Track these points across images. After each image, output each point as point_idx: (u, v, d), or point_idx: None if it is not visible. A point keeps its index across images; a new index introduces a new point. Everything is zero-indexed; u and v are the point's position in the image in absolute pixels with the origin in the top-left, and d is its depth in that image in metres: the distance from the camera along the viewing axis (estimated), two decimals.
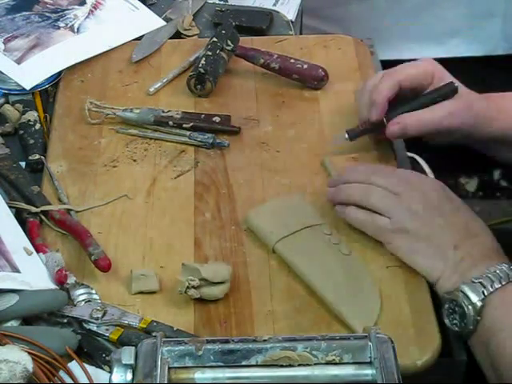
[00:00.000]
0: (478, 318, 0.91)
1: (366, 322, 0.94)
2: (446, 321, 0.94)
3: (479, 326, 0.92)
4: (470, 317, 0.92)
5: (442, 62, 1.15)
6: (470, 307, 0.91)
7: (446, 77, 1.14)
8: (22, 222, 1.06)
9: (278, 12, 1.44)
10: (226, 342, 0.79)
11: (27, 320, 0.95)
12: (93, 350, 0.93)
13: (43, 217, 1.07)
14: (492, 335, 0.90)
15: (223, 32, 1.29)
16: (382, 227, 1.01)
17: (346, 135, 1.15)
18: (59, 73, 1.30)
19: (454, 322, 0.94)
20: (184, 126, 1.19)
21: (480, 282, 0.92)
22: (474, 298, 0.92)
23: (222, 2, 1.47)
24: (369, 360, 0.78)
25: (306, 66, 1.27)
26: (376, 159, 1.16)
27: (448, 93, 1.12)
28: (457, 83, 1.13)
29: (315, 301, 0.98)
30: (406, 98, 1.14)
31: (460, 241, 0.97)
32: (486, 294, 0.91)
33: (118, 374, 0.77)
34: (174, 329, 0.94)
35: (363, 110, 1.14)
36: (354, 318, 0.95)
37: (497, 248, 0.98)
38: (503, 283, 0.92)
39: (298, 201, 1.09)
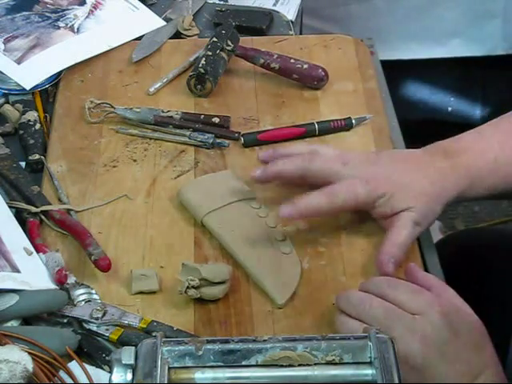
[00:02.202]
0: None
1: (285, 292, 0.98)
2: None
3: None
4: None
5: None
6: None
7: (395, 191, 1.01)
8: (22, 222, 1.06)
9: (278, 12, 1.44)
10: (226, 341, 0.79)
11: (27, 320, 0.95)
12: (93, 350, 0.93)
13: (43, 217, 1.07)
14: None
15: (223, 32, 1.29)
16: None
17: None
18: (59, 73, 1.30)
19: None
20: (183, 129, 1.20)
21: None
22: None
23: (221, 2, 1.47)
24: (369, 360, 0.78)
25: (306, 66, 1.27)
26: None
27: None
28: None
29: (315, 301, 0.98)
30: None
31: None
32: None
33: (118, 374, 0.77)
34: (174, 329, 0.94)
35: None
36: (275, 289, 0.98)
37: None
38: None
39: (229, 176, 1.12)
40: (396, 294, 0.90)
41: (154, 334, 0.88)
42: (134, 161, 1.17)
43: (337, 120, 1.20)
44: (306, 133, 1.19)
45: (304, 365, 0.78)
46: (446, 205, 1.02)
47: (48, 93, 1.28)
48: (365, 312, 0.90)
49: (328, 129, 1.19)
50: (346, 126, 1.19)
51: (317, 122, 1.19)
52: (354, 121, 1.19)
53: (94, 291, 0.98)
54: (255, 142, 1.18)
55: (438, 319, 0.87)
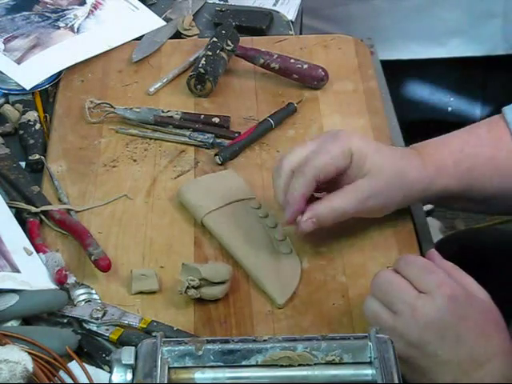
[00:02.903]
0: None
1: (285, 292, 0.98)
2: None
3: None
4: None
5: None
6: None
7: (364, 149, 1.00)
8: (22, 222, 1.06)
9: (278, 12, 1.44)
10: (226, 341, 0.79)
11: (27, 320, 0.95)
12: (93, 350, 0.93)
13: (43, 217, 1.07)
14: None
15: (223, 32, 1.29)
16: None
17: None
18: (59, 73, 1.30)
19: None
20: (183, 129, 1.20)
21: None
22: None
23: (221, 2, 1.47)
24: (369, 360, 0.78)
25: (305, 66, 1.27)
26: None
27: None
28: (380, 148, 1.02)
29: (315, 301, 0.98)
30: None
31: (460, 376, 0.85)
32: None
33: (118, 374, 0.77)
34: (174, 329, 0.94)
35: (279, 196, 1.02)
36: (275, 289, 0.98)
37: (509, 376, 0.84)
38: None
39: (229, 176, 1.12)
40: (408, 269, 0.88)
41: (154, 334, 0.88)
42: (134, 161, 1.17)
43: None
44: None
45: (304, 365, 0.78)
46: (410, 195, 1.01)
47: (48, 93, 1.28)
48: (373, 284, 0.90)
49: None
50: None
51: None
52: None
53: (93, 291, 0.98)
54: (231, 154, 1.16)
55: (442, 301, 0.85)
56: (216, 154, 1.15)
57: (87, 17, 1.39)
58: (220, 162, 1.15)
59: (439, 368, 0.85)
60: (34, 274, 0.99)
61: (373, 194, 0.99)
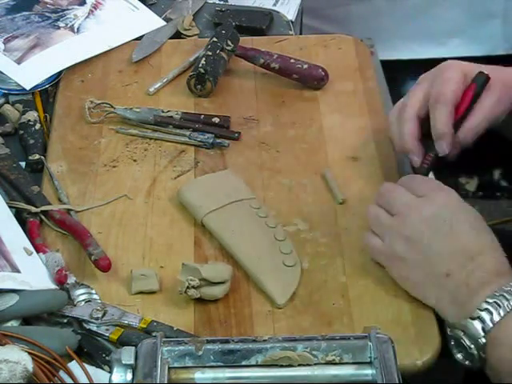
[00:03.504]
0: (484, 355, 0.86)
1: (285, 292, 0.98)
2: (457, 356, 0.89)
3: (487, 364, 0.87)
4: (475, 355, 0.87)
5: (442, 62, 1.14)
6: (472, 346, 0.87)
7: (471, 68, 1.07)
8: (22, 222, 1.06)
9: (278, 12, 1.44)
10: (226, 341, 0.79)
11: (27, 320, 0.95)
12: (93, 350, 0.93)
13: (43, 217, 1.07)
14: (502, 375, 0.86)
15: (223, 32, 1.29)
16: (376, 249, 0.99)
17: None
18: (59, 73, 1.30)
19: (464, 356, 0.89)
20: (183, 129, 1.20)
21: (479, 317, 0.86)
22: (475, 336, 0.86)
23: (222, 2, 1.47)
24: (369, 360, 0.78)
25: (306, 66, 1.27)
26: (376, 159, 1.16)
27: (482, 88, 1.07)
28: (482, 68, 1.09)
29: (315, 301, 0.98)
30: None
31: (453, 268, 0.91)
32: (486, 329, 0.86)
33: (118, 374, 0.77)
34: (174, 329, 0.94)
35: (408, 143, 1.07)
36: (275, 289, 0.98)
37: (499, 268, 0.91)
38: (508, 310, 0.86)
39: (229, 176, 1.12)
40: (407, 181, 1.00)
41: (154, 334, 0.88)
42: (134, 161, 1.17)
43: None
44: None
45: (304, 365, 0.78)
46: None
47: (48, 93, 1.28)
48: (377, 194, 1.01)
49: None
50: None
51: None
52: None
53: (93, 291, 0.98)
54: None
55: (438, 200, 0.95)
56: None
57: (87, 17, 1.39)
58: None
59: (432, 260, 0.93)
60: (34, 274, 0.99)
61: (500, 97, 1.06)
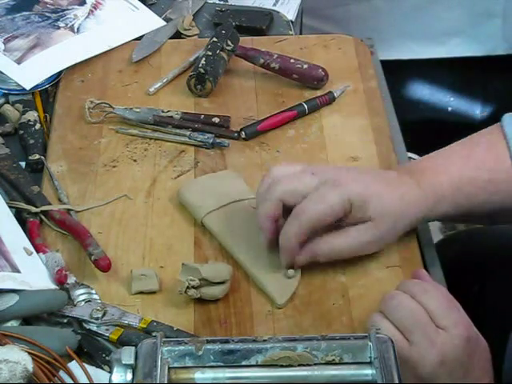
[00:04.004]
0: None
1: (285, 292, 0.98)
2: None
3: None
4: None
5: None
6: None
7: (364, 195, 0.97)
8: (22, 222, 1.06)
9: (278, 12, 1.44)
10: (226, 341, 0.79)
11: (27, 320, 0.95)
12: (93, 350, 0.93)
13: (43, 217, 1.07)
14: None
15: (223, 32, 1.29)
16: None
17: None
18: (59, 73, 1.30)
19: None
20: (183, 129, 1.20)
21: None
22: None
23: (222, 2, 1.47)
24: (369, 360, 0.78)
25: (305, 66, 1.27)
26: (376, 159, 1.16)
27: None
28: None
29: (315, 301, 0.98)
30: None
31: None
32: None
33: (118, 374, 0.77)
34: (174, 329, 0.94)
35: (263, 224, 0.99)
36: (275, 289, 0.98)
37: None
38: None
39: (229, 176, 1.12)
40: (429, 302, 0.89)
41: (154, 334, 0.88)
42: (134, 161, 1.17)
43: (320, 96, 1.23)
44: (298, 114, 1.21)
45: (304, 365, 0.78)
46: (409, 226, 1.01)
47: (48, 93, 1.28)
48: (388, 305, 0.90)
49: (315, 105, 1.23)
50: (329, 100, 1.23)
51: (304, 102, 1.22)
52: (335, 93, 1.24)
53: (93, 291, 0.98)
54: (256, 133, 1.19)
55: (459, 341, 0.87)
56: (241, 129, 1.18)
57: (87, 17, 1.39)
58: (244, 137, 1.18)
59: None
60: (33, 274, 0.99)
61: (375, 239, 0.99)
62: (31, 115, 1.22)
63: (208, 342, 0.79)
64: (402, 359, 0.82)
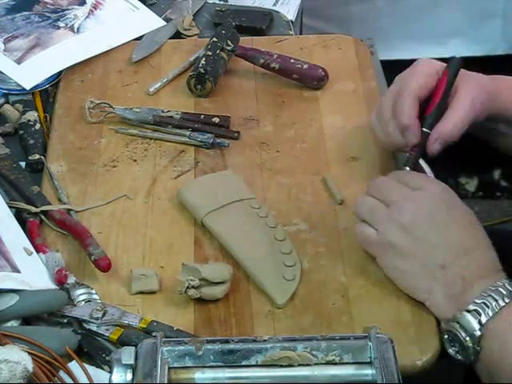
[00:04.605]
0: (478, 348, 0.87)
1: (285, 292, 0.98)
2: (449, 350, 0.90)
3: (481, 356, 0.88)
4: (469, 348, 0.88)
5: (442, 62, 1.14)
6: (467, 338, 0.88)
7: (443, 66, 1.10)
8: (22, 222, 1.06)
9: (278, 12, 1.44)
10: (226, 341, 0.79)
11: (27, 320, 0.95)
12: (93, 350, 0.93)
13: (43, 217, 1.07)
14: (495, 367, 0.87)
15: (223, 32, 1.29)
16: (368, 238, 0.98)
17: (408, 169, 1.07)
18: (59, 73, 1.30)
19: (456, 351, 0.90)
20: (183, 129, 1.20)
21: (475, 310, 0.87)
22: (471, 328, 0.87)
23: (222, 2, 1.47)
24: (369, 360, 0.78)
25: (305, 66, 1.27)
26: (376, 158, 1.16)
27: (456, 71, 1.10)
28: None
29: (315, 301, 0.98)
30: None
31: (449, 260, 0.92)
32: (483, 322, 0.87)
33: (118, 374, 0.77)
34: (174, 329, 0.94)
35: (394, 136, 1.07)
36: (275, 289, 0.98)
37: (493, 265, 0.92)
38: (503, 303, 0.87)
39: (229, 176, 1.12)
40: (402, 175, 1.01)
41: (154, 334, 0.88)
42: (134, 161, 1.17)
43: None
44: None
45: (304, 365, 0.78)
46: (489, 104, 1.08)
47: (48, 93, 1.28)
48: (370, 185, 1.00)
49: None
50: None
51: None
52: None
53: (93, 291, 0.98)
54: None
55: (435, 191, 0.96)
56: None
57: (87, 17, 1.39)
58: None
59: (428, 251, 0.93)
60: (33, 274, 0.99)
61: (476, 95, 1.07)
62: (31, 115, 1.22)
63: (208, 342, 0.79)
64: (382, 220, 0.96)
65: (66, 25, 1.37)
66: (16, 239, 1.03)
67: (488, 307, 0.87)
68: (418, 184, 0.98)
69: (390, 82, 1.31)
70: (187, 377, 0.78)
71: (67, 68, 1.30)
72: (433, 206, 0.95)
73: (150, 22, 1.40)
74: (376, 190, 1.00)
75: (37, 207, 1.07)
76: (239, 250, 1.03)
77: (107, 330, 0.94)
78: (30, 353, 0.86)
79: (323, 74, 1.27)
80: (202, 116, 1.22)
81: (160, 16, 1.42)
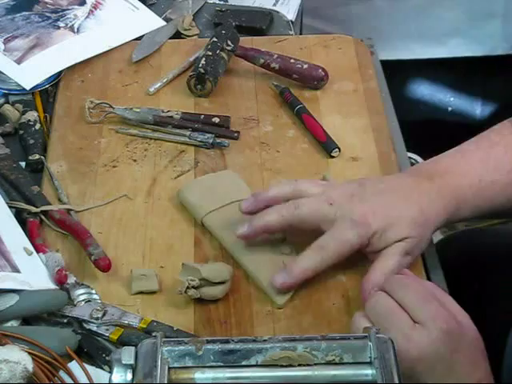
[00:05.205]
0: None
1: (285, 293, 0.98)
2: None
3: None
4: None
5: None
6: None
7: (384, 225, 0.98)
8: (22, 222, 1.06)
9: (277, 12, 1.44)
10: (226, 342, 0.79)
11: (27, 320, 0.95)
12: (93, 350, 0.93)
13: (43, 217, 1.07)
14: None
15: (223, 32, 1.29)
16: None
17: None
18: (59, 73, 1.30)
19: None
20: (183, 129, 1.20)
21: None
22: None
23: (222, 2, 1.47)
24: (369, 360, 0.78)
25: (306, 66, 1.27)
26: (376, 159, 1.16)
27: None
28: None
29: (315, 301, 0.98)
30: None
31: None
32: None
33: (118, 374, 0.77)
34: (174, 329, 0.94)
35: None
36: (275, 289, 0.98)
37: None
38: None
39: (229, 176, 1.12)
40: (404, 296, 0.88)
41: (153, 334, 0.88)
42: (134, 161, 1.17)
43: None
44: None
45: (304, 365, 0.78)
46: (436, 230, 1.01)
47: (48, 93, 1.28)
48: (370, 307, 0.90)
49: None
50: None
51: None
52: None
53: (93, 291, 0.98)
54: None
55: (437, 335, 0.85)
56: None
57: (87, 17, 1.39)
58: None
59: None
60: (33, 274, 0.99)
61: (405, 259, 0.99)
62: (31, 115, 1.22)
63: (208, 342, 0.79)
64: None
65: (66, 25, 1.37)
66: (16, 239, 1.03)
67: None
68: (422, 316, 0.87)
69: (390, 82, 1.31)
70: (187, 377, 0.78)
71: (67, 68, 1.30)
72: (436, 352, 0.86)
73: (150, 22, 1.40)
74: (375, 312, 0.90)
75: (37, 207, 1.07)
76: (239, 250, 1.03)
77: (107, 330, 0.94)
78: (30, 353, 0.86)
79: (323, 74, 1.27)
80: (202, 116, 1.22)
81: (160, 16, 1.42)
